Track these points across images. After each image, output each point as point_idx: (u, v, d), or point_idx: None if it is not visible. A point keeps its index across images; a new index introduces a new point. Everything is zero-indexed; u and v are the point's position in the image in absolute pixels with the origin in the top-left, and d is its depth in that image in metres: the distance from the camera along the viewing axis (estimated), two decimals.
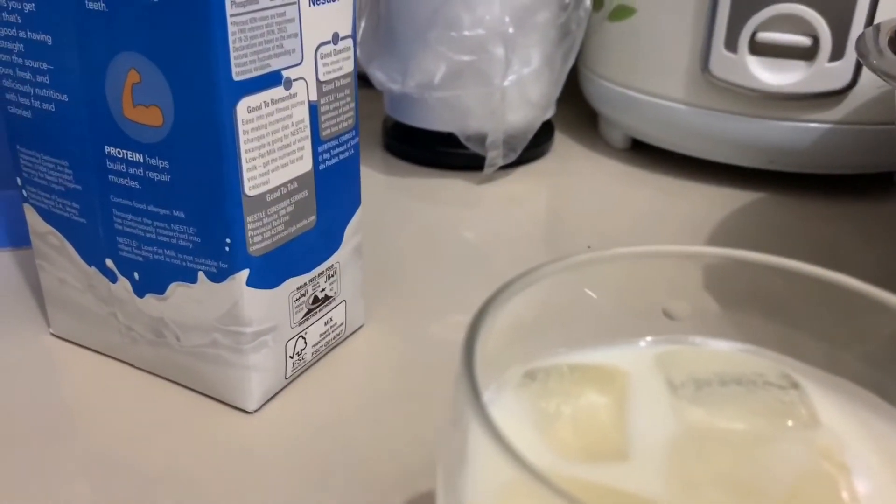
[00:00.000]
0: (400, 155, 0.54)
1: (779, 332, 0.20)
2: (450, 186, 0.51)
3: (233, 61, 0.25)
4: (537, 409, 0.18)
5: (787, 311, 0.20)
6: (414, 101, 0.49)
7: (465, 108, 0.48)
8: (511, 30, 0.45)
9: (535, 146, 0.52)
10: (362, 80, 0.53)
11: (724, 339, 0.21)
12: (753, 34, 0.45)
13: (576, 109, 0.61)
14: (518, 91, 0.48)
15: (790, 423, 0.18)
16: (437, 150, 0.52)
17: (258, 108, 0.27)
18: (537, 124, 0.50)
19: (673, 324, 0.21)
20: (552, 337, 0.20)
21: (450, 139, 0.50)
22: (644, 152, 0.55)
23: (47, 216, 0.32)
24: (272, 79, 0.27)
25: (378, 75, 0.49)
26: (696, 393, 0.19)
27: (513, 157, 0.50)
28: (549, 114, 0.52)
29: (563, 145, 0.58)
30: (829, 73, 0.44)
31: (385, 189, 0.51)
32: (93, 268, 0.31)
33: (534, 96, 0.49)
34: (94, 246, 0.31)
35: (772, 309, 0.20)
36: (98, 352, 0.33)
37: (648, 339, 0.20)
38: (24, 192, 0.32)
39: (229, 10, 0.25)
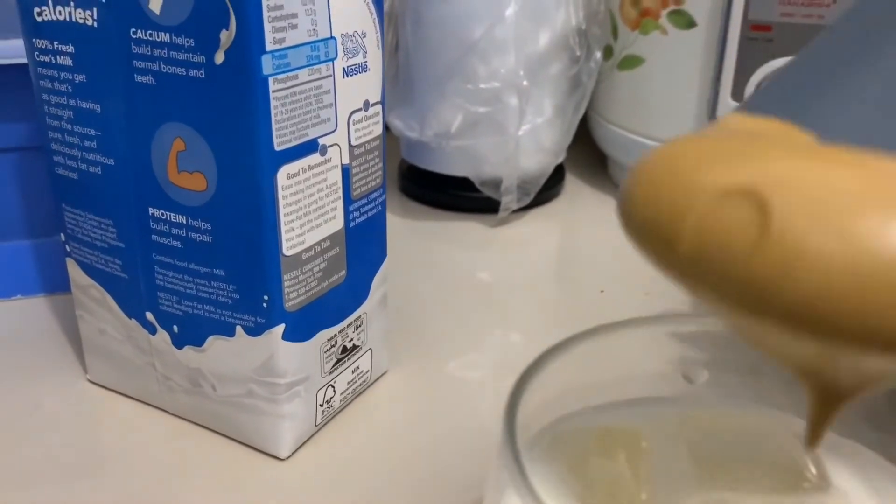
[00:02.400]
0: (415, 197, 0.56)
1: (791, 394, 0.21)
2: (464, 229, 0.53)
3: (274, 133, 0.27)
4: (568, 471, 0.19)
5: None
6: (431, 147, 0.51)
7: (481, 156, 0.49)
8: (525, 82, 0.47)
9: (547, 189, 0.54)
10: None
11: (740, 399, 0.22)
12: (759, 85, 0.47)
13: (586, 152, 0.63)
14: (532, 139, 0.49)
15: (805, 485, 0.19)
16: (452, 194, 0.53)
17: (296, 174, 0.28)
18: (550, 169, 0.52)
19: (692, 387, 0.22)
20: (580, 400, 0.21)
21: (464, 183, 0.51)
22: None
23: (90, 270, 0.33)
24: (309, 147, 0.28)
25: (396, 124, 0.51)
26: (714, 452, 0.20)
27: (526, 201, 0.51)
28: (560, 158, 0.54)
29: (573, 187, 0.59)
30: None
31: (401, 231, 0.52)
32: (133, 320, 0.33)
33: (547, 143, 0.51)
34: (135, 300, 0.32)
35: (784, 373, 0.21)
36: (134, 399, 0.35)
37: (664, 401, 0.22)
38: (67, 248, 0.34)
39: (272, 86, 0.26)
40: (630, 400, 0.22)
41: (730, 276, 0.15)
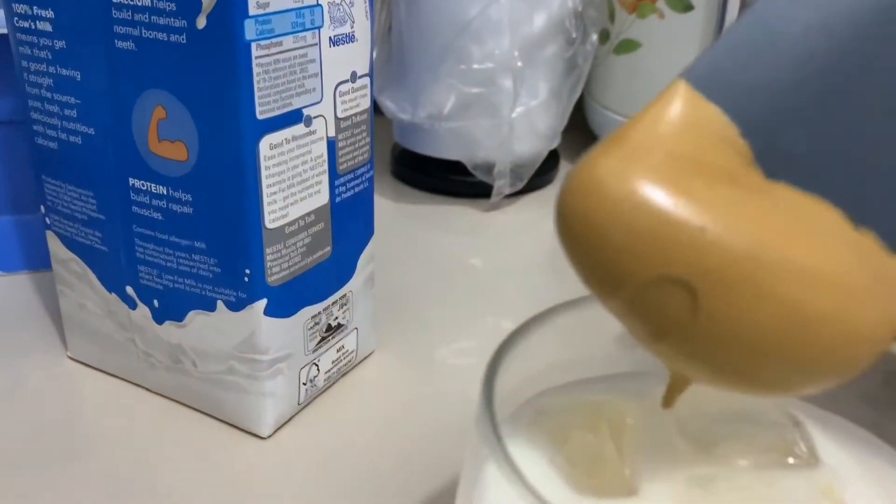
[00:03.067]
0: (407, 181, 0.55)
1: None
2: (457, 213, 0.52)
3: (257, 101, 0.26)
4: (551, 445, 0.19)
5: None
6: (423, 130, 0.50)
7: (474, 138, 0.49)
8: (520, 63, 0.46)
9: (541, 174, 0.53)
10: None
11: None
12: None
13: (581, 138, 0.62)
14: (526, 122, 0.49)
15: (791, 460, 0.19)
16: (445, 178, 0.53)
17: (279, 144, 0.28)
18: (544, 154, 0.51)
19: None
20: (565, 374, 0.21)
21: (457, 167, 0.51)
22: None
23: (70, 244, 0.32)
24: (293, 117, 0.28)
25: (389, 105, 0.50)
26: (700, 429, 0.20)
27: (520, 186, 0.51)
28: (555, 143, 0.53)
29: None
30: None
31: (393, 215, 0.52)
32: (113, 294, 0.32)
33: (541, 127, 0.50)
34: (115, 273, 0.32)
35: None
36: (115, 376, 0.34)
37: (653, 375, 0.21)
38: (46, 220, 0.33)
39: (255, 52, 0.26)
40: (617, 374, 0.21)
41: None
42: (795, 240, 0.16)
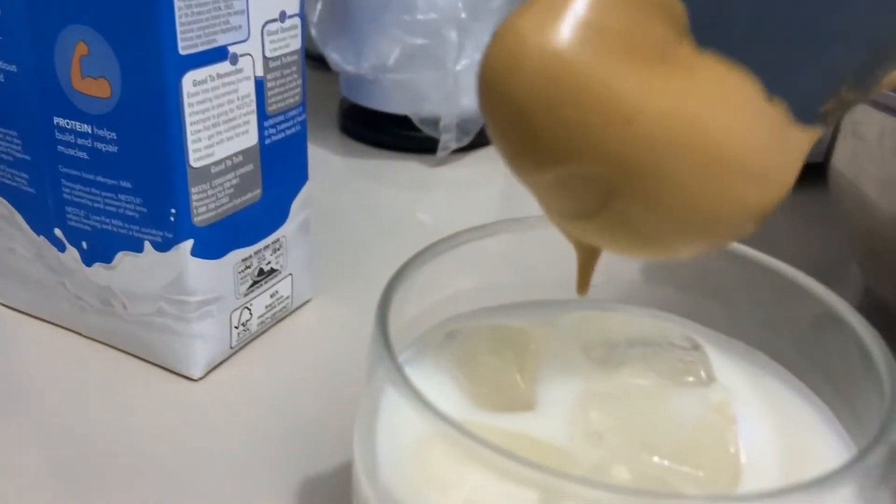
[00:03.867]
0: (356, 137, 0.55)
1: (686, 300, 0.21)
2: (404, 169, 0.52)
3: (179, 35, 0.26)
4: (456, 365, 0.19)
5: (695, 281, 0.21)
6: (369, 83, 0.50)
7: (420, 92, 0.49)
8: (464, 14, 0.46)
9: None
10: (320, 62, 0.53)
11: (634, 305, 0.22)
12: None
13: None
14: (472, 75, 0.49)
15: (690, 379, 0.19)
16: (392, 133, 0.52)
17: (203, 81, 0.27)
18: None
19: (589, 290, 0.22)
20: (474, 301, 0.21)
21: (405, 122, 0.51)
22: None
23: None
24: (218, 54, 0.28)
25: (333, 56, 0.50)
26: (605, 353, 0.20)
27: (466, 141, 0.51)
28: None
29: None
30: None
31: (340, 170, 0.52)
32: (41, 237, 0.32)
33: None
34: (42, 216, 0.31)
35: (681, 279, 0.21)
36: (46, 320, 0.34)
37: (565, 304, 0.22)
38: None
39: None
40: (527, 302, 0.22)
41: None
42: (713, 121, 0.16)
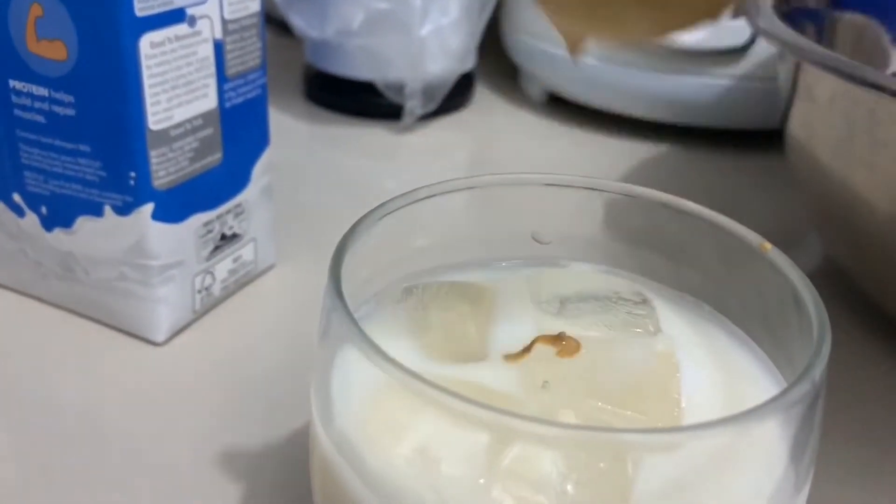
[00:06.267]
0: (321, 103, 0.55)
1: (635, 255, 0.22)
2: (370, 135, 0.52)
3: None
4: (411, 319, 0.20)
5: (646, 238, 0.22)
6: (333, 48, 0.50)
7: (384, 57, 0.49)
8: None
9: (456, 96, 0.54)
10: (285, 28, 0.53)
11: (587, 262, 0.22)
12: None
13: (497, 64, 0.62)
14: (437, 41, 0.49)
15: (638, 331, 0.20)
16: (358, 99, 0.52)
17: (161, 44, 0.27)
18: (456, 74, 0.51)
19: (541, 248, 0.22)
20: (431, 259, 0.22)
21: (370, 88, 0.51)
22: (561, 106, 0.57)
23: None
24: (176, 16, 0.27)
25: (297, 21, 0.49)
26: (557, 308, 0.21)
27: (432, 107, 0.51)
28: (468, 64, 0.53)
29: (484, 98, 0.59)
30: (729, 30, 0.47)
31: (305, 137, 0.52)
32: (0, 203, 0.32)
33: (453, 46, 0.50)
34: (1, 181, 0.31)
35: (630, 234, 0.22)
36: (7, 287, 0.34)
37: (519, 261, 0.22)
38: None
39: None
40: (480, 259, 0.22)
41: None
42: None
